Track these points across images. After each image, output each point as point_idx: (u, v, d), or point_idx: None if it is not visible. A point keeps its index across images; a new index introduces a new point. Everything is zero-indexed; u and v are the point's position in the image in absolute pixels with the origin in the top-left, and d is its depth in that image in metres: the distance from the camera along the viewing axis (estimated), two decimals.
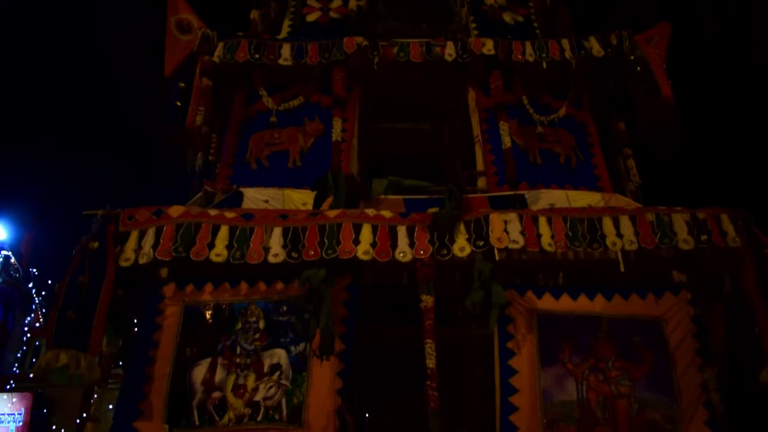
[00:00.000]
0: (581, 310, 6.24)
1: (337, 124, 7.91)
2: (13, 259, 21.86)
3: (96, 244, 6.05)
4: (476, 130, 8.24)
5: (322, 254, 6.04)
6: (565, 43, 8.44)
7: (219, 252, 6.05)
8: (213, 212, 6.43)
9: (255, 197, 7.20)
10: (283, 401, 5.79)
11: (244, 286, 6.30)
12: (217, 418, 5.74)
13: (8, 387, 16.74)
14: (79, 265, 5.97)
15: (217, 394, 5.83)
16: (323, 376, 5.85)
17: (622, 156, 8.31)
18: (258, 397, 5.82)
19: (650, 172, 8.48)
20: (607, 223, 6.34)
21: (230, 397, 5.82)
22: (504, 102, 8.13)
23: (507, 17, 9.49)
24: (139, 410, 5.75)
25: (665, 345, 6.09)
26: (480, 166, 8.01)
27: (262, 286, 6.30)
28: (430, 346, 5.82)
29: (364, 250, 6.10)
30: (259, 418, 5.72)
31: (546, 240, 6.21)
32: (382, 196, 7.29)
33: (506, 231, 6.23)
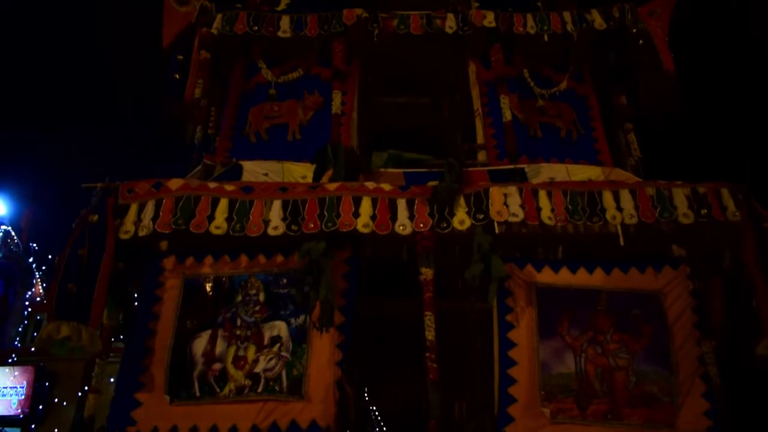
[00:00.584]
0: (580, 284, 6.25)
1: (337, 97, 7.84)
2: (13, 234, 21.84)
3: (95, 217, 6.02)
4: (476, 104, 8.18)
5: (322, 227, 6.03)
6: (566, 15, 8.32)
7: (219, 224, 6.03)
8: (212, 185, 6.41)
9: (254, 170, 7.16)
10: (283, 373, 5.82)
11: (244, 258, 6.31)
12: (218, 390, 5.78)
13: (10, 360, 16.80)
14: (79, 238, 5.94)
15: (217, 366, 5.87)
16: (323, 348, 5.88)
17: (623, 130, 8.24)
18: (258, 368, 5.85)
19: (651, 146, 8.45)
20: (607, 197, 6.32)
21: (231, 369, 5.85)
22: (505, 75, 8.04)
23: None
24: (140, 382, 5.79)
25: (664, 318, 6.10)
26: (480, 139, 7.95)
27: (261, 258, 6.31)
28: (429, 318, 5.83)
29: (363, 223, 6.08)
30: (259, 390, 5.76)
31: (546, 213, 6.19)
32: (382, 170, 7.26)
33: (506, 204, 6.20)
